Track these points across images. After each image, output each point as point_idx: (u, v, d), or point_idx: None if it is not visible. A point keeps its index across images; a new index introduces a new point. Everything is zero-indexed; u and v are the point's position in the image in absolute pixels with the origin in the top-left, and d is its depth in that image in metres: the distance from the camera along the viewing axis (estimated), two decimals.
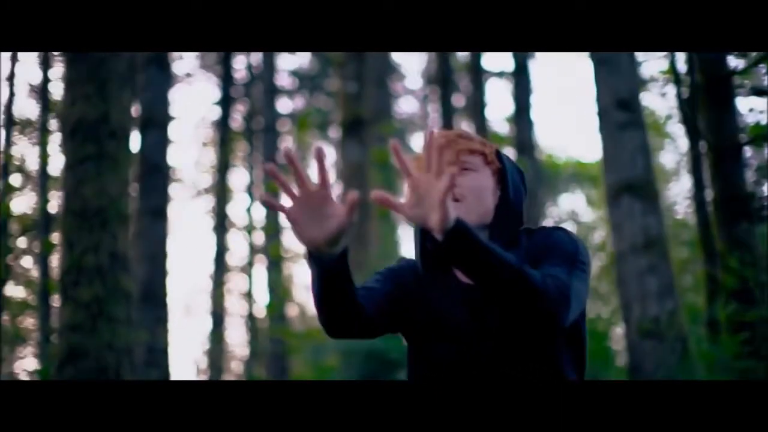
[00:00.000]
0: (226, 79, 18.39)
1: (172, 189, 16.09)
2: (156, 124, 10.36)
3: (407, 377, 2.30)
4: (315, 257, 1.94)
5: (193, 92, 42.78)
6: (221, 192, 18.72)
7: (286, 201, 1.87)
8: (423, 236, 2.26)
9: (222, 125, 18.05)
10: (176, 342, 32.33)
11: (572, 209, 23.19)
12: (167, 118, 10.86)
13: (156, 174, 10.25)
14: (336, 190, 1.86)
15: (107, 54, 6.71)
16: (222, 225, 18.58)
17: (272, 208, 1.89)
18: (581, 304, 2.15)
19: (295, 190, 1.87)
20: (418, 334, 2.25)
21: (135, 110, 10.53)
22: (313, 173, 1.86)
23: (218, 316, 18.86)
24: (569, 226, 22.98)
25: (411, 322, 2.26)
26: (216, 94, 20.19)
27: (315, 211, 1.88)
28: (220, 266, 18.52)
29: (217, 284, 18.67)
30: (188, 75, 19.84)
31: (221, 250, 18.52)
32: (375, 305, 2.17)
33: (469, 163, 2.21)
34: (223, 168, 18.52)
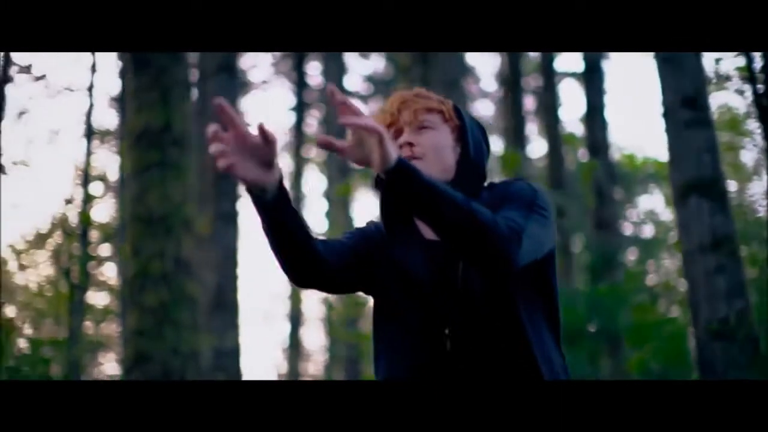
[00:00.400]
0: (300, 85, 18.55)
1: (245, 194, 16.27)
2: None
3: (372, 336, 2.30)
4: (257, 198, 1.99)
5: (268, 99, 43.20)
6: (296, 197, 18.90)
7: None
8: (383, 193, 2.28)
9: (297, 131, 18.23)
10: (252, 346, 32.70)
11: (651, 209, 22.84)
12: None
13: (227, 179, 10.38)
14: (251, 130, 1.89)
15: (169, 62, 6.83)
16: None
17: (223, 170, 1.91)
18: (538, 246, 2.13)
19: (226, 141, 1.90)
20: (384, 291, 2.26)
21: (206, 117, 10.68)
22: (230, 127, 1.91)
23: (296, 320, 19.02)
24: (648, 227, 22.69)
25: (376, 280, 2.27)
26: (291, 100, 20.41)
27: (245, 153, 1.91)
28: None
29: (295, 288, 18.82)
30: (263, 82, 20.08)
31: None
32: (340, 257, 2.20)
33: (427, 122, 2.22)
34: (297, 173, 18.69)
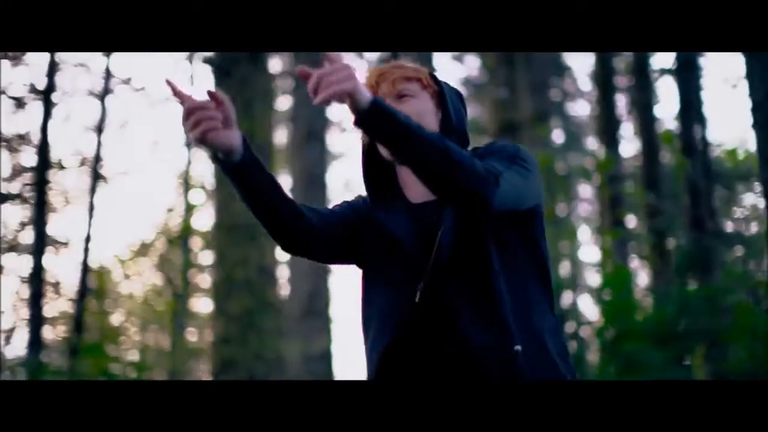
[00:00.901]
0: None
1: (334, 200, 16.43)
2: (315, 137, 10.66)
3: (361, 303, 2.36)
4: (224, 163, 2.08)
5: None
6: None
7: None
8: (366, 159, 2.37)
9: None
10: (347, 352, 32.85)
11: (755, 204, 22.10)
12: (325, 131, 11.11)
13: (316, 185, 10.52)
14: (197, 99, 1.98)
15: (251, 72, 6.96)
16: None
17: (197, 144, 2.03)
18: (517, 194, 2.15)
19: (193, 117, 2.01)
20: (371, 257, 2.33)
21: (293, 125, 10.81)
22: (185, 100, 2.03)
23: None
24: (753, 225, 21.89)
25: (365, 247, 2.34)
26: None
27: (199, 119, 2.01)
28: None
29: None
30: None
31: None
32: (328, 225, 2.28)
33: (406, 90, 2.29)
34: None
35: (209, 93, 2.03)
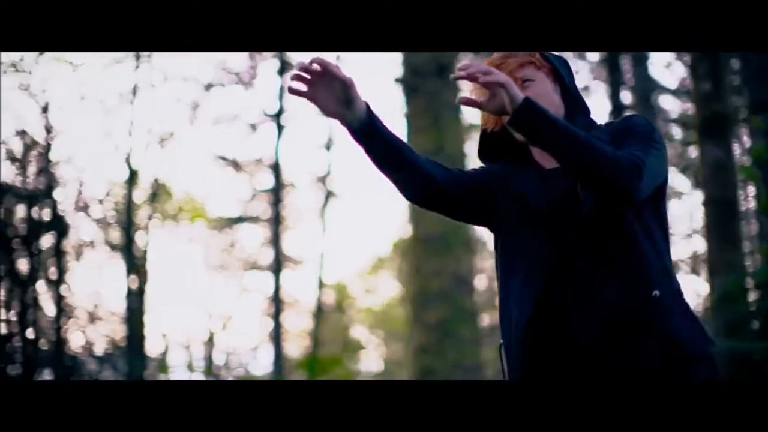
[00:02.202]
0: (615, 86, 18.15)
1: None
2: None
3: (498, 271, 2.54)
4: (347, 126, 2.39)
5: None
6: None
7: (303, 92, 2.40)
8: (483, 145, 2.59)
9: None
10: None
11: None
12: None
13: None
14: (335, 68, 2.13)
15: (439, 87, 7.06)
16: None
17: (296, 94, 2.39)
18: (655, 179, 2.34)
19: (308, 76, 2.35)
20: (505, 223, 2.50)
21: None
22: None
23: None
24: None
25: (497, 212, 2.52)
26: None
27: (326, 88, 2.35)
28: None
29: None
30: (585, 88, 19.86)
31: None
32: (455, 183, 2.50)
33: (526, 75, 2.47)
34: None
35: (329, 69, 2.33)
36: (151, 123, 26.25)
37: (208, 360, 23.07)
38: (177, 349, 23.19)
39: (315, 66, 2.33)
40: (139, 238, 19.72)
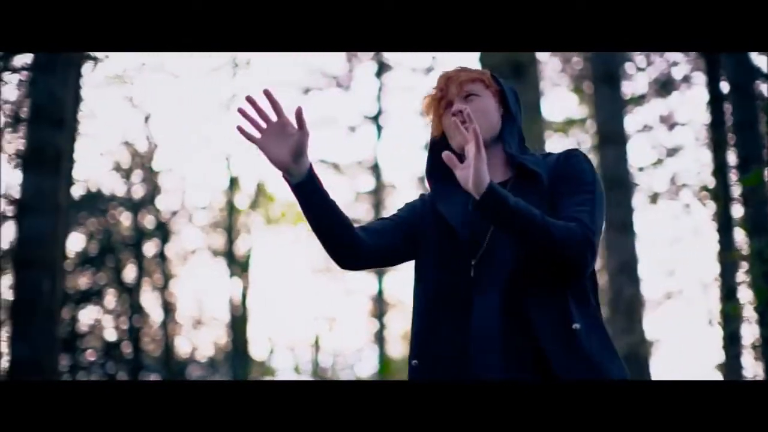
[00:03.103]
0: (713, 82, 17.56)
1: (638, 201, 15.85)
2: (613, 141, 10.41)
3: (413, 286, 2.54)
4: (289, 181, 2.38)
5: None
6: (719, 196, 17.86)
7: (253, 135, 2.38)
8: (432, 152, 2.62)
9: (714, 128, 17.25)
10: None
11: None
12: (623, 135, 10.81)
13: (619, 188, 10.24)
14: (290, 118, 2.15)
15: (517, 85, 6.88)
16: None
17: (246, 138, 2.36)
18: (600, 233, 2.40)
19: (263, 124, 2.35)
20: (425, 243, 2.53)
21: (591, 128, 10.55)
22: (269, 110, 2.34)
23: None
24: None
25: (421, 237, 2.55)
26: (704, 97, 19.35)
27: (279, 136, 2.34)
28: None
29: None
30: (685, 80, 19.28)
31: None
32: (382, 242, 2.52)
33: (472, 90, 2.54)
34: (720, 169, 17.66)
35: (297, 113, 2.32)
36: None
37: (314, 362, 23.30)
38: (282, 352, 23.48)
39: (280, 114, 2.35)
40: (242, 242, 20.02)
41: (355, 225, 2.51)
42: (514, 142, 2.55)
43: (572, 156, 2.51)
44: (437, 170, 2.63)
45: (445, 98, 2.56)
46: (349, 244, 2.48)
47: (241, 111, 2.36)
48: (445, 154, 2.28)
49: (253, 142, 2.37)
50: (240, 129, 2.37)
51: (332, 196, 2.45)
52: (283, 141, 2.35)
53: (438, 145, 2.62)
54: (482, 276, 2.41)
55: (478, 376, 2.34)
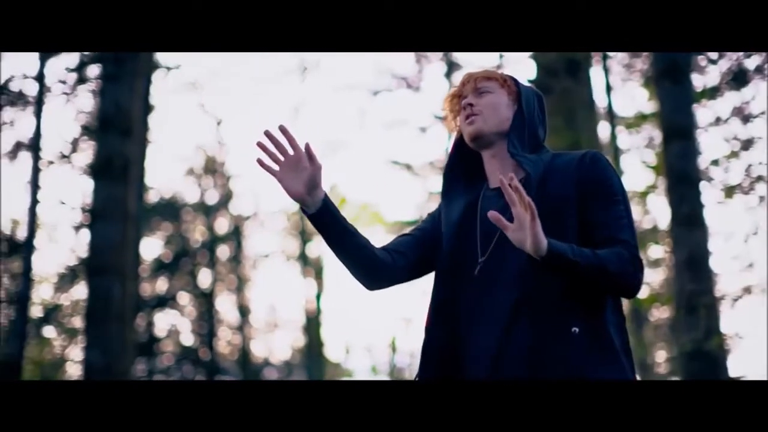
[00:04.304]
0: None
1: (707, 195, 15.47)
2: (678, 135, 10.23)
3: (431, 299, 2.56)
4: (306, 212, 2.45)
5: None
6: None
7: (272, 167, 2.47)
8: (456, 152, 2.65)
9: None
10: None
11: None
12: (692, 129, 10.59)
13: (684, 183, 10.07)
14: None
15: (572, 84, 6.84)
16: None
17: (265, 170, 2.45)
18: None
19: (281, 157, 2.44)
20: (439, 244, 2.57)
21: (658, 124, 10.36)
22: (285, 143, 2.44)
23: None
24: None
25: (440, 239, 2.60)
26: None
27: (294, 170, 2.42)
28: None
29: None
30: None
31: None
32: (404, 255, 2.58)
33: (485, 87, 2.58)
34: None
35: (307, 148, 2.41)
36: (321, 131, 26.75)
37: (391, 363, 23.37)
38: (359, 354, 23.59)
39: (296, 148, 2.44)
40: (315, 246, 20.16)
41: (379, 246, 2.57)
42: (520, 142, 2.54)
43: (597, 161, 2.50)
44: (457, 168, 2.68)
45: (462, 95, 2.61)
46: (373, 268, 2.54)
47: (260, 145, 2.45)
48: (492, 214, 2.26)
49: (272, 174, 2.46)
50: (260, 162, 2.45)
51: (352, 224, 2.52)
52: (298, 174, 2.43)
53: (460, 144, 2.67)
54: (488, 276, 2.44)
55: (473, 376, 2.40)
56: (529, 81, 8.76)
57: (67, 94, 10.84)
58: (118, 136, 9.36)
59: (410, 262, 2.60)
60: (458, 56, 19.08)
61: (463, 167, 2.68)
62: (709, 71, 17.66)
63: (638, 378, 2.44)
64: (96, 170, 9.41)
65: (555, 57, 6.70)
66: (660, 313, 15.66)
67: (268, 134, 2.44)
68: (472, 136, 2.55)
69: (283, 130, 2.42)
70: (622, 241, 2.38)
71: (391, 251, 2.58)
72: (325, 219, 2.46)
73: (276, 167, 2.45)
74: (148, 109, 12.85)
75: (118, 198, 9.19)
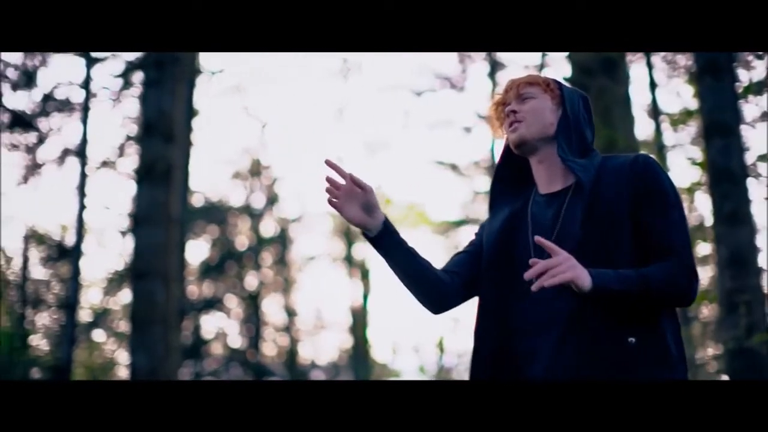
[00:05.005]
0: None
1: (754, 192, 15.18)
2: (720, 132, 10.10)
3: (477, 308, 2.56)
4: (368, 236, 2.52)
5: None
6: None
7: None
8: (503, 160, 2.67)
9: None
10: None
11: None
12: (734, 125, 10.47)
13: (727, 180, 9.94)
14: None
15: (607, 81, 6.80)
16: None
17: (330, 205, 2.52)
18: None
19: (336, 190, 2.51)
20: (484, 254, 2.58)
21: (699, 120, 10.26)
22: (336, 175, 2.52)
23: None
24: None
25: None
26: None
27: (350, 198, 2.49)
28: None
29: None
30: None
31: None
32: (463, 275, 2.59)
33: (528, 93, 2.58)
34: None
35: (353, 179, 2.49)
36: (365, 133, 26.78)
37: (439, 363, 23.34)
38: (406, 354, 23.59)
39: (343, 180, 2.51)
40: (360, 247, 20.22)
41: (438, 268, 2.61)
42: (569, 146, 2.53)
43: (650, 166, 2.47)
44: (505, 177, 2.70)
45: (506, 103, 2.62)
46: (436, 290, 2.58)
47: (328, 179, 2.52)
48: (538, 240, 2.27)
49: (334, 207, 2.53)
50: (329, 201, 2.53)
51: (414, 247, 2.56)
52: (353, 200, 2.51)
53: (508, 151, 2.68)
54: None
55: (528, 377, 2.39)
56: (565, 79, 8.74)
57: (112, 99, 11.00)
58: (160, 140, 9.47)
59: (467, 280, 2.62)
60: (501, 56, 19.06)
61: (511, 175, 2.69)
62: (755, 66, 17.37)
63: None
64: (139, 175, 9.53)
65: (591, 56, 6.65)
66: (709, 311, 15.51)
67: (329, 163, 2.50)
68: (516, 143, 2.55)
69: (329, 164, 2.49)
70: (675, 249, 2.37)
71: (449, 272, 2.61)
72: (386, 241, 2.52)
73: (335, 200, 2.52)
74: (191, 113, 12.98)
75: (161, 202, 9.29)
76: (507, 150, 2.66)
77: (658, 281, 2.31)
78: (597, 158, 2.53)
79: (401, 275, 2.56)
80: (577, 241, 2.37)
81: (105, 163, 11.07)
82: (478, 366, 2.48)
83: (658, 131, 11.68)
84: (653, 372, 2.30)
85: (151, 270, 9.12)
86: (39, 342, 12.17)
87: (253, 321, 17.33)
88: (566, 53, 6.87)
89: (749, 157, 10.90)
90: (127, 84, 11.02)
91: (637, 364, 2.29)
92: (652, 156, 2.49)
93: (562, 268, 2.20)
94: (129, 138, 11.27)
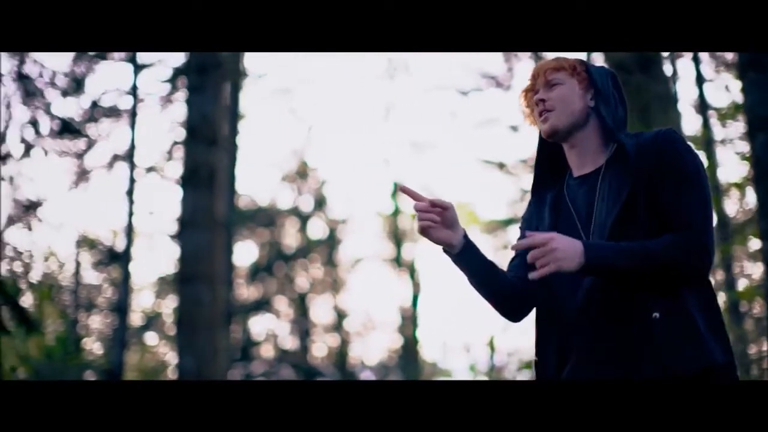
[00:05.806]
0: None
1: None
2: (764, 127, 9.97)
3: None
4: (448, 254, 2.51)
5: None
6: None
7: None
8: (540, 147, 2.68)
9: None
10: None
11: None
12: None
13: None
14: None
15: (645, 79, 6.75)
16: None
17: (425, 235, 2.49)
18: (712, 223, 2.39)
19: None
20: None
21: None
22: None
23: None
24: None
25: None
26: None
27: (423, 218, 2.46)
28: None
29: None
30: None
31: None
32: (525, 266, 2.51)
33: (555, 79, 2.57)
34: None
35: (433, 201, 2.47)
36: (412, 133, 26.79)
37: (489, 362, 23.27)
38: (456, 354, 23.56)
39: (422, 199, 2.48)
40: (410, 248, 20.25)
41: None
42: (611, 119, 2.55)
43: (670, 141, 2.46)
44: (544, 163, 2.71)
45: (534, 90, 2.61)
46: (514, 299, 2.60)
47: (418, 208, 2.48)
48: (514, 245, 2.36)
49: (426, 232, 2.48)
50: (424, 228, 2.48)
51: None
52: (439, 221, 2.49)
53: (543, 139, 2.68)
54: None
55: (578, 366, 2.42)
56: None
57: (160, 105, 11.15)
58: (203, 145, 9.58)
59: (532, 283, 2.59)
60: (547, 54, 18.92)
61: (549, 161, 2.70)
62: None
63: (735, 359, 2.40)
64: (184, 179, 9.64)
65: (628, 53, 6.62)
66: (762, 307, 15.30)
67: (403, 189, 2.52)
68: (548, 134, 2.55)
69: (404, 190, 2.51)
70: (687, 225, 2.36)
71: (523, 278, 2.60)
72: (468, 256, 2.51)
73: (433, 225, 2.48)
74: (237, 117, 13.11)
75: (205, 206, 9.40)
76: (541, 139, 2.67)
77: (658, 253, 2.32)
78: (630, 135, 2.54)
79: (481, 289, 2.59)
80: (612, 219, 2.39)
81: (152, 168, 11.22)
82: (542, 365, 2.53)
83: (706, 126, 11.54)
84: (682, 349, 2.31)
85: (197, 273, 9.23)
86: (92, 345, 12.38)
87: (302, 322, 17.44)
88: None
89: None
90: (174, 89, 11.16)
91: (662, 338, 2.31)
92: (674, 131, 2.47)
93: (544, 260, 2.25)
94: (176, 143, 11.42)
